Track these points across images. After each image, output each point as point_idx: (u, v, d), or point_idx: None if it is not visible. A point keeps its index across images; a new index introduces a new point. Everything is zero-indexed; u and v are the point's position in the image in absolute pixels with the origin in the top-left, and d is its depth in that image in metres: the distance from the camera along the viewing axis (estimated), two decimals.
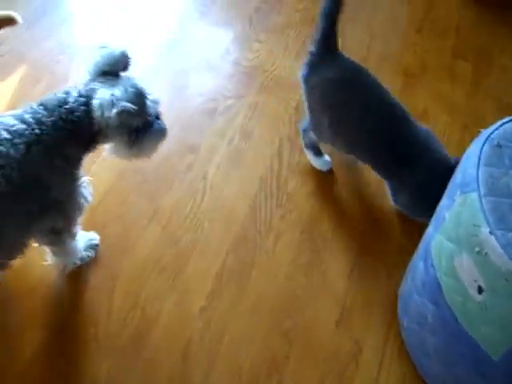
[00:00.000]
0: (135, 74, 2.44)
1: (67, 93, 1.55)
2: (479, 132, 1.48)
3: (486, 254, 1.25)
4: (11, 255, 1.60)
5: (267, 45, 2.72)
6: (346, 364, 1.74)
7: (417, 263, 1.66)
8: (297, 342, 1.77)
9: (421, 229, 1.74)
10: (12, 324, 1.77)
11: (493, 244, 1.23)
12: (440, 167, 1.84)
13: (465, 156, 1.46)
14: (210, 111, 2.40)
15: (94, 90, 1.54)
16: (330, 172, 2.22)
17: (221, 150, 2.26)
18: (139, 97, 1.58)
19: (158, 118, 1.69)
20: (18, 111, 1.53)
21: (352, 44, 2.75)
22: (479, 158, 1.37)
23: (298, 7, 2.91)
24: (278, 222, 2.05)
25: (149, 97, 1.63)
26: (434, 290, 1.50)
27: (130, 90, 1.55)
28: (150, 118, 1.64)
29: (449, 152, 2.29)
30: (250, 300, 1.86)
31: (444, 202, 1.51)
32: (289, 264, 1.94)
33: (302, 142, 2.23)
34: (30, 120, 1.49)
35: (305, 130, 2.13)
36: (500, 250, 1.22)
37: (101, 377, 1.68)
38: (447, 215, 1.43)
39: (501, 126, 1.45)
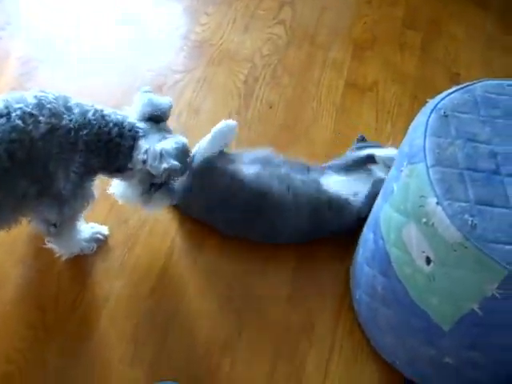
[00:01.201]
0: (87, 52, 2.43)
1: (122, 119, 1.57)
2: (427, 102, 1.47)
3: (433, 224, 1.24)
4: None
5: (215, 18, 2.66)
6: (298, 338, 1.74)
7: (367, 235, 1.66)
8: (249, 319, 1.76)
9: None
10: None
11: (440, 215, 1.23)
12: None
13: (412, 126, 1.44)
14: (157, 87, 2.34)
15: (143, 132, 1.57)
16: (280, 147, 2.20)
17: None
18: (184, 156, 1.60)
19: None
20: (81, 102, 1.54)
21: (302, 18, 2.73)
22: (426, 129, 1.36)
23: None
24: None
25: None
26: (384, 262, 1.50)
27: (179, 147, 1.55)
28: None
29: (399, 122, 2.31)
30: (201, 277, 1.84)
31: (392, 173, 1.51)
32: (239, 239, 1.91)
33: (251, 117, 2.22)
34: (77, 110, 1.50)
35: None
36: (447, 221, 1.21)
37: (50, 362, 1.64)
38: (395, 186, 1.42)
39: (447, 95, 1.45)
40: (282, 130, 2.26)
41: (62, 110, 1.47)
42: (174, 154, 1.52)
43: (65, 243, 1.76)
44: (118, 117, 1.56)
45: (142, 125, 1.58)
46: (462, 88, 1.46)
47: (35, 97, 1.46)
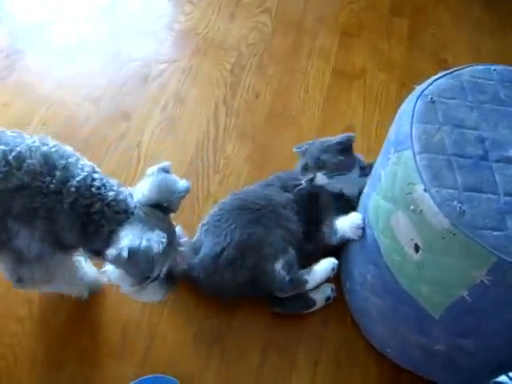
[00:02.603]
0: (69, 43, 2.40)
1: (113, 196, 1.38)
2: (413, 88, 1.46)
3: (420, 211, 1.23)
4: None
5: (200, 7, 2.65)
6: (288, 328, 1.72)
7: None
8: (238, 311, 1.75)
9: None
10: None
11: (428, 202, 1.22)
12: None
13: (398, 113, 1.43)
14: (142, 77, 2.33)
15: (133, 219, 1.37)
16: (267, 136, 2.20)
17: (155, 117, 2.20)
18: (143, 260, 1.33)
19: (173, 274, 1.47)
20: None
21: (288, 6, 2.71)
22: (413, 115, 1.35)
23: None
24: (216, 187, 2.01)
25: (178, 251, 1.43)
26: (373, 251, 1.48)
27: (145, 245, 1.31)
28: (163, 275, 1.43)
29: (388, 109, 2.30)
30: None
31: (379, 160, 1.49)
32: None
33: (238, 106, 2.22)
34: (60, 174, 1.32)
35: None
36: (435, 208, 1.20)
37: (39, 357, 1.62)
38: (382, 174, 1.41)
39: (434, 81, 1.44)
40: (269, 119, 2.25)
41: (42, 170, 1.31)
42: (131, 249, 1.30)
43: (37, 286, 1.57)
44: (110, 193, 1.37)
45: (139, 210, 1.39)
46: (448, 73, 1.45)
47: (27, 145, 1.33)
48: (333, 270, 1.69)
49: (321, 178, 1.75)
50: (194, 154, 2.10)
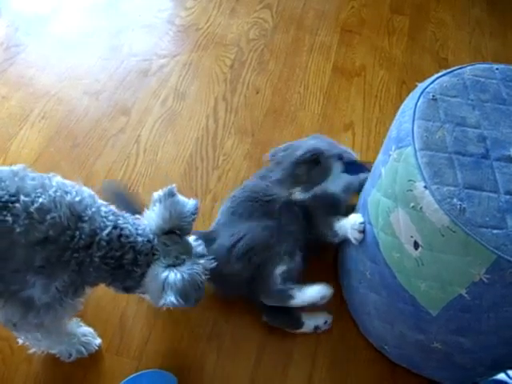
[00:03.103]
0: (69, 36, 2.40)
1: (141, 241, 1.34)
2: (416, 86, 1.45)
3: (421, 208, 1.23)
4: None
5: (201, 2, 2.65)
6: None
7: None
8: (234, 307, 1.74)
9: None
10: None
11: (428, 199, 1.21)
12: None
13: (400, 110, 1.43)
14: (142, 71, 2.33)
15: (159, 255, 1.35)
16: (267, 132, 2.20)
17: (154, 112, 2.20)
18: (193, 291, 1.35)
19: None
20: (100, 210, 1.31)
21: (289, 2, 2.72)
22: (414, 112, 1.35)
23: None
24: (215, 183, 2.01)
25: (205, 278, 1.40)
26: (372, 247, 1.48)
27: (187, 279, 1.32)
28: None
29: (387, 107, 2.31)
30: None
31: (380, 157, 1.49)
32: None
33: (238, 102, 2.21)
34: (88, 227, 1.26)
35: None
36: (435, 205, 1.20)
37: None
38: (383, 171, 1.41)
39: (437, 79, 1.43)
40: (269, 115, 2.24)
41: (69, 223, 1.24)
42: (179, 288, 1.31)
43: (33, 340, 1.51)
44: (139, 238, 1.34)
45: (159, 245, 1.36)
46: (451, 71, 1.45)
47: (49, 196, 1.25)
48: (322, 298, 1.63)
49: (298, 194, 1.73)
50: (194, 149, 2.10)
